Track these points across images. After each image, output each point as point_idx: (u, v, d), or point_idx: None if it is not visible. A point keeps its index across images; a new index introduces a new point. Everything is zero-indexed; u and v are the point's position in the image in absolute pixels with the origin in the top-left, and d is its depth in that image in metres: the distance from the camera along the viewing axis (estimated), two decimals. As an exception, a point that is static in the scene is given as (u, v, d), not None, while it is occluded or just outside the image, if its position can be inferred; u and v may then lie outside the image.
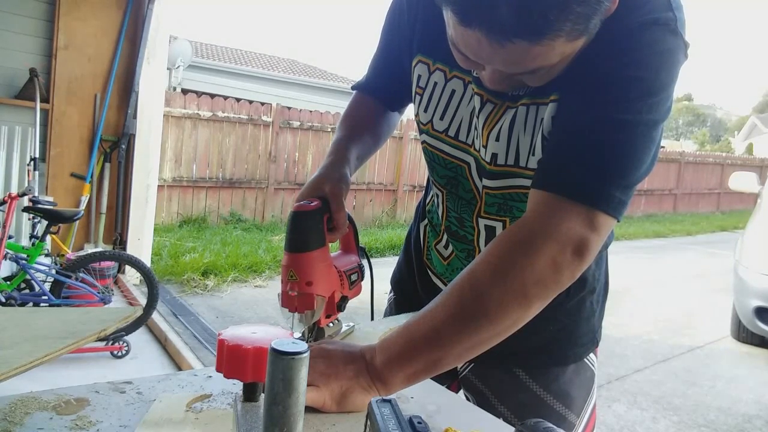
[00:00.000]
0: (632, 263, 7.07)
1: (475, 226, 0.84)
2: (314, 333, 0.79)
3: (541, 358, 0.89)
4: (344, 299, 0.81)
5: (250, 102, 7.68)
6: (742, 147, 31.09)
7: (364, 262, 0.90)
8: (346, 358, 0.68)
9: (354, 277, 0.84)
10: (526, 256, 0.63)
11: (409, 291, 1.04)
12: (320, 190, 0.78)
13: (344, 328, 0.87)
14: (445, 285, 0.94)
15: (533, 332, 0.89)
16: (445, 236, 0.92)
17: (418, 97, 0.83)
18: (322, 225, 0.76)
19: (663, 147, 17.80)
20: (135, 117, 4.28)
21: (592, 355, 0.93)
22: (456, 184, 0.84)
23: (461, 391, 1.01)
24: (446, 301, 0.66)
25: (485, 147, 0.76)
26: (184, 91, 8.03)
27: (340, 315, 0.83)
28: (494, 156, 0.75)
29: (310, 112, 8.15)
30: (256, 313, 4.29)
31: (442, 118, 0.81)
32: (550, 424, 0.55)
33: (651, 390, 3.33)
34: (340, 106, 11.00)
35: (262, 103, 7.77)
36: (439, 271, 0.96)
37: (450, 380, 1.00)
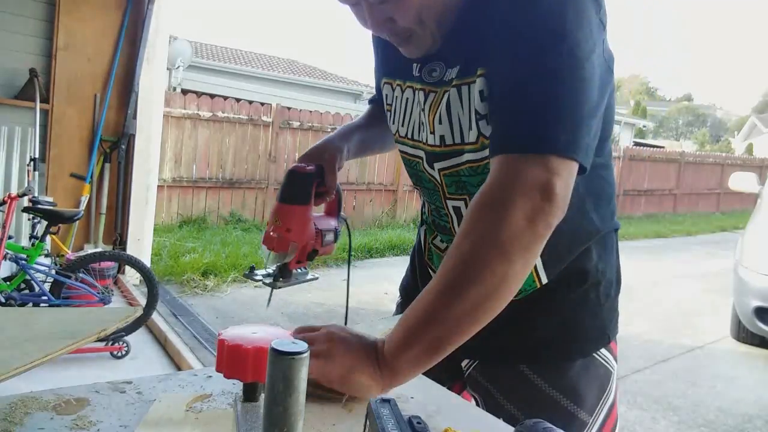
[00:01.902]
0: (632, 263, 7.06)
1: (447, 210, 0.89)
2: (282, 272, 0.90)
3: (544, 352, 0.89)
4: (315, 252, 0.92)
5: (250, 102, 7.68)
6: (742, 147, 31.10)
7: (344, 230, 1.03)
8: (361, 341, 0.70)
9: (328, 237, 0.95)
10: (496, 213, 0.65)
11: (414, 296, 1.06)
12: (319, 158, 0.91)
13: (309, 276, 0.98)
14: None
15: (534, 326, 0.89)
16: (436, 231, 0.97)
17: (389, 114, 0.94)
18: (311, 188, 0.88)
19: (663, 147, 17.72)
20: (135, 117, 4.28)
21: (605, 351, 0.90)
22: (420, 178, 0.91)
23: (465, 392, 1.01)
24: (433, 280, 0.68)
25: (433, 133, 0.83)
26: (184, 92, 8.03)
27: (309, 266, 0.97)
28: (442, 138, 0.82)
29: (310, 112, 8.15)
30: (256, 313, 4.29)
31: (403, 125, 0.91)
32: (550, 425, 0.55)
33: (651, 390, 3.33)
34: (340, 106, 11.01)
35: (262, 104, 7.77)
36: (437, 264, 0.98)
37: (452, 381, 1.00)
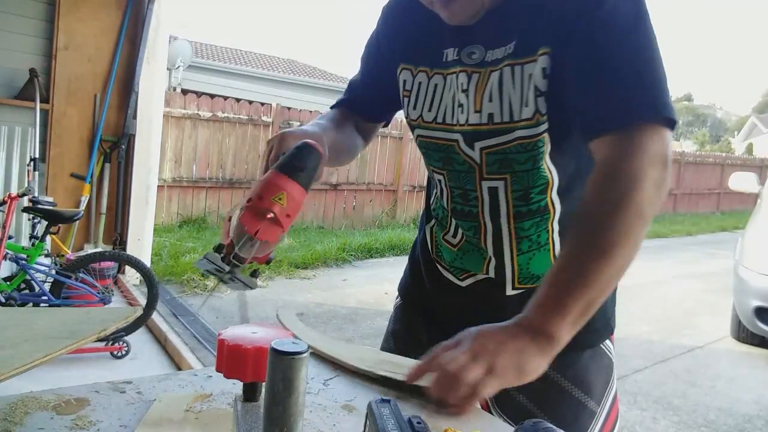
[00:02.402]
0: (632, 263, 7.05)
1: (479, 193, 0.89)
2: (237, 262, 0.72)
3: None
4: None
5: (250, 102, 7.68)
6: (742, 147, 31.10)
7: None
8: (500, 332, 0.70)
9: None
10: (631, 183, 0.70)
11: (415, 297, 1.07)
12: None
13: (255, 283, 0.85)
14: (455, 275, 0.97)
15: None
16: (453, 223, 0.95)
17: (406, 100, 0.94)
18: (316, 173, 0.74)
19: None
20: (135, 117, 4.28)
21: (608, 341, 0.94)
22: (450, 161, 0.90)
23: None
24: (579, 250, 0.71)
25: (479, 111, 0.84)
26: (184, 92, 8.04)
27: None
28: (490, 116, 0.83)
29: (310, 112, 8.16)
30: (256, 313, 4.29)
31: (429, 110, 0.91)
32: (550, 425, 0.55)
33: (651, 390, 3.33)
34: (340, 106, 11.00)
35: (262, 104, 7.77)
36: (449, 260, 0.97)
37: None
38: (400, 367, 0.79)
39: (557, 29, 0.76)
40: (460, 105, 0.86)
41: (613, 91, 0.73)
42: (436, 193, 1.02)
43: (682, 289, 6.09)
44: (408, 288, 1.09)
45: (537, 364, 0.68)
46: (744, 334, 4.27)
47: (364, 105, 1.04)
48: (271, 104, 7.76)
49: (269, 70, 13.34)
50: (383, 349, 1.05)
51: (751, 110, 51.02)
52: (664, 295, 5.74)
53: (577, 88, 0.76)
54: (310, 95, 12.80)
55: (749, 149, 29.48)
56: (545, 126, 0.80)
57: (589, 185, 0.74)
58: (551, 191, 0.87)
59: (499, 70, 0.81)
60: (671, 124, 0.73)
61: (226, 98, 7.52)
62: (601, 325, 0.92)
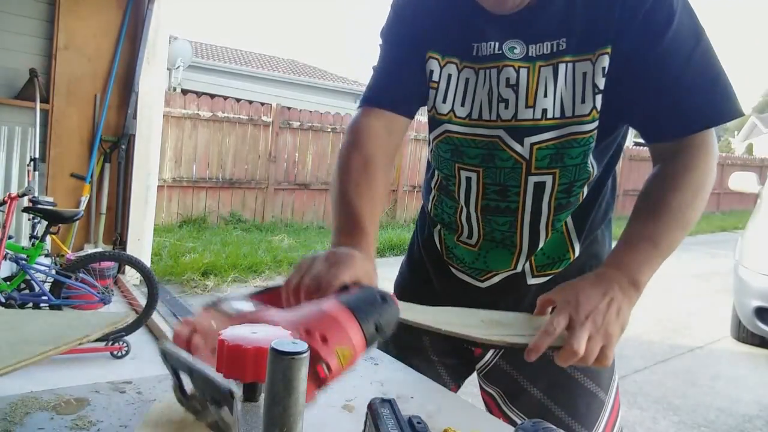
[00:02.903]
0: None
1: (521, 189, 0.88)
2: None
3: None
4: None
5: (250, 102, 7.68)
6: (742, 147, 31.07)
7: None
8: (598, 298, 0.72)
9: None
10: (703, 175, 0.80)
11: (417, 299, 1.06)
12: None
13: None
14: (474, 276, 0.97)
15: None
16: (468, 224, 0.94)
17: (432, 91, 0.89)
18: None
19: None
20: (135, 117, 4.27)
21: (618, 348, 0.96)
22: (491, 157, 0.88)
23: (476, 394, 1.02)
24: (660, 215, 0.78)
25: (532, 107, 0.83)
26: (184, 92, 8.03)
27: None
28: (544, 111, 0.83)
29: (310, 112, 8.15)
30: (256, 313, 4.28)
31: (462, 105, 0.87)
32: (550, 425, 0.56)
33: (651, 390, 3.33)
34: (340, 106, 11.01)
35: (262, 104, 7.76)
36: (468, 260, 0.96)
37: (466, 374, 1.02)
38: (506, 327, 0.79)
39: (621, 30, 0.78)
40: (504, 100, 0.84)
41: (685, 97, 0.78)
42: (434, 197, 1.00)
43: (682, 289, 6.09)
44: (410, 289, 1.08)
45: (629, 315, 0.73)
46: (744, 334, 4.27)
47: (394, 94, 0.93)
48: (271, 104, 7.75)
49: (269, 70, 13.33)
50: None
51: (751, 110, 50.98)
52: (664, 295, 5.74)
53: (646, 93, 0.79)
54: (310, 95, 12.80)
55: (749, 149, 29.47)
56: (597, 123, 0.82)
57: (673, 171, 0.80)
58: (588, 184, 0.89)
59: (551, 66, 0.81)
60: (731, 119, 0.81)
61: (226, 98, 7.52)
62: None
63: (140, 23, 4.31)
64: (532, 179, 0.87)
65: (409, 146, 8.82)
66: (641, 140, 0.93)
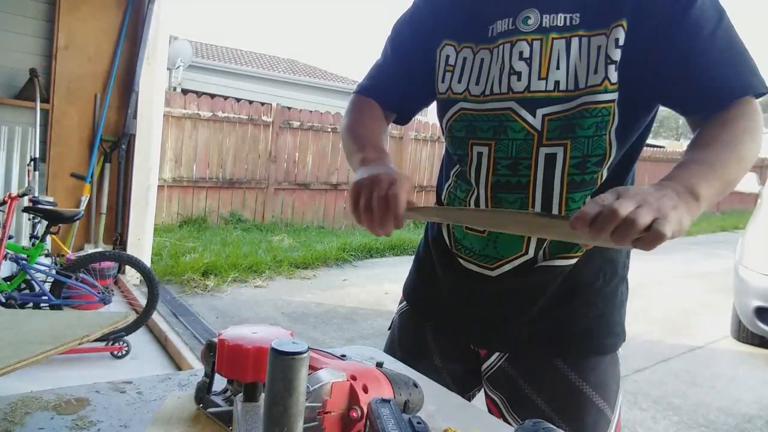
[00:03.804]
0: (632, 263, 7.00)
1: (532, 162, 0.87)
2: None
3: (579, 346, 0.91)
4: None
5: (250, 102, 7.68)
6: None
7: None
8: (654, 190, 0.69)
9: None
10: (754, 139, 0.79)
11: (424, 299, 1.05)
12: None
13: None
14: (485, 263, 0.93)
15: (573, 317, 0.91)
16: (483, 205, 0.92)
17: (449, 74, 0.94)
18: None
19: (663, 147, 17.78)
20: (135, 117, 4.28)
21: (620, 349, 0.95)
22: (503, 129, 0.89)
23: (477, 395, 1.02)
24: (718, 150, 0.76)
25: (544, 79, 0.84)
26: (184, 91, 8.03)
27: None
28: (557, 83, 0.84)
29: (310, 112, 8.15)
30: (257, 313, 4.29)
31: (477, 83, 0.91)
32: (550, 425, 0.55)
33: (651, 390, 3.33)
34: (340, 106, 11.00)
35: (262, 103, 7.76)
36: (478, 248, 0.94)
37: (474, 383, 1.01)
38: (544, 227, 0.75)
39: (640, 4, 0.80)
40: (516, 73, 0.86)
41: (720, 67, 0.79)
42: (449, 185, 1.00)
43: (682, 289, 6.09)
44: (416, 290, 1.07)
45: (688, 221, 0.68)
46: (744, 334, 4.27)
47: (390, 92, 1.03)
48: (271, 104, 7.75)
49: (269, 70, 13.33)
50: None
51: (751, 110, 50.85)
52: (664, 295, 5.74)
53: (674, 66, 0.80)
54: (310, 95, 12.79)
55: (749, 149, 29.43)
56: (613, 96, 0.82)
57: (707, 127, 0.80)
58: (606, 165, 0.87)
59: (564, 39, 0.83)
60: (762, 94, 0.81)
61: (226, 98, 7.52)
62: (620, 330, 0.93)
63: (140, 23, 4.31)
64: (543, 150, 0.86)
65: (409, 146, 8.82)
66: (651, 141, 0.93)
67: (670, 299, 5.62)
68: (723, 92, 0.80)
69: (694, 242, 9.80)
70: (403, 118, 1.08)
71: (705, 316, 5.07)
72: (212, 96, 7.55)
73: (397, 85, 1.02)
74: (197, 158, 7.08)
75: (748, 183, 4.85)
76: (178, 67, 10.06)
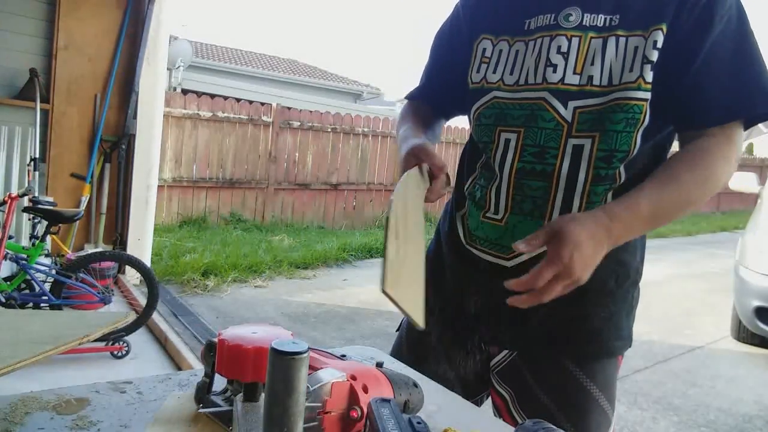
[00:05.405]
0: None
1: (560, 152, 0.88)
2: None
3: (589, 347, 0.91)
4: None
5: (250, 102, 7.68)
6: (743, 147, 31.04)
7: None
8: (592, 246, 0.75)
9: None
10: (726, 164, 0.84)
11: (432, 298, 1.05)
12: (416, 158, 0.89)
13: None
14: (501, 253, 0.93)
15: (585, 318, 0.91)
16: (503, 193, 0.92)
17: (484, 66, 0.97)
18: None
19: (663, 147, 17.88)
20: (135, 117, 4.27)
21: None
22: (534, 118, 0.90)
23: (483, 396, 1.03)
24: (678, 194, 0.82)
25: (579, 73, 0.87)
26: (184, 92, 8.03)
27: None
28: (590, 78, 0.86)
29: (310, 112, 8.15)
30: (257, 313, 4.29)
31: (511, 73, 0.93)
32: (550, 425, 0.55)
33: (651, 390, 3.33)
34: (340, 106, 11.00)
35: (262, 104, 7.76)
36: (494, 238, 0.93)
37: (481, 385, 1.01)
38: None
39: (680, 11, 0.82)
40: (552, 65, 0.88)
41: (728, 82, 0.82)
42: (474, 176, 1.00)
43: (682, 289, 6.09)
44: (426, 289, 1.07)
45: (602, 254, 0.77)
46: (744, 334, 4.27)
47: (429, 88, 1.09)
48: (271, 104, 7.75)
49: (270, 70, 13.34)
50: (393, 356, 1.03)
51: (751, 110, 50.84)
52: (664, 295, 5.73)
53: (684, 79, 0.82)
54: (311, 95, 12.79)
55: (749, 149, 29.45)
56: (646, 95, 0.83)
57: (701, 153, 0.83)
58: (628, 167, 0.88)
59: (602, 38, 0.85)
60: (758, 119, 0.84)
61: (226, 98, 7.51)
62: (627, 334, 0.95)
63: (140, 23, 4.31)
64: (572, 141, 0.87)
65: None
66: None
67: (670, 299, 5.61)
68: (709, 115, 0.83)
69: (694, 242, 9.80)
70: (445, 113, 1.12)
71: (705, 316, 5.07)
72: (212, 96, 7.55)
73: (435, 80, 1.08)
74: (197, 158, 7.08)
75: (748, 183, 4.85)
76: (178, 67, 10.05)
